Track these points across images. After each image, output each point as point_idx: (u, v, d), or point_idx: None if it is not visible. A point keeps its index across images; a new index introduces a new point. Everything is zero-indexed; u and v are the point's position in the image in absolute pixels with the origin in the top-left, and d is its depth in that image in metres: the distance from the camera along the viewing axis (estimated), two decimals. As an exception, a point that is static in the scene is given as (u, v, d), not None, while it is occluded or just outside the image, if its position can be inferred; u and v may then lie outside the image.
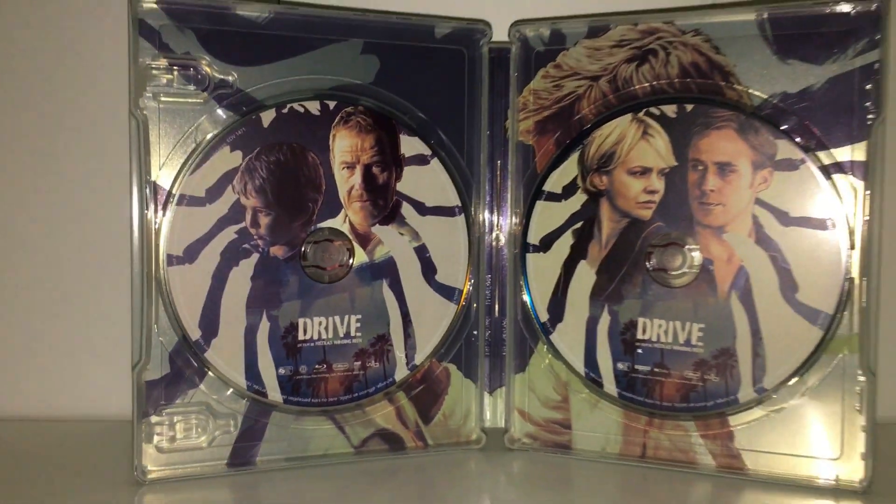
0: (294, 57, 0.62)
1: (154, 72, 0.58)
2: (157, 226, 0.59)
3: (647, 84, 0.63)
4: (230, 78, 0.60)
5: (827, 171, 0.59)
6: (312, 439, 0.64)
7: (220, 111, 0.60)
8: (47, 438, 0.70)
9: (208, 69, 0.60)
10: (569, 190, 0.66)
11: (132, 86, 0.58)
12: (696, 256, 0.62)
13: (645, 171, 0.63)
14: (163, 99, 0.59)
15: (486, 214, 0.68)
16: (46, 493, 0.58)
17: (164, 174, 0.59)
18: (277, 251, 0.62)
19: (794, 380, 0.60)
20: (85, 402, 0.76)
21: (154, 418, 0.59)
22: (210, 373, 0.61)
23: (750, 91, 0.61)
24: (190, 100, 0.59)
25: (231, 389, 0.62)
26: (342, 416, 0.64)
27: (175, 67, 0.59)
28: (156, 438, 0.60)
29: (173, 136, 0.59)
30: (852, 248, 0.59)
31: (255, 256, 0.61)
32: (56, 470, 0.63)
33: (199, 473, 0.61)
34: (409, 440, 0.66)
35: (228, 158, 0.60)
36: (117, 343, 0.73)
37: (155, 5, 0.58)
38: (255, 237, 0.61)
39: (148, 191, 0.59)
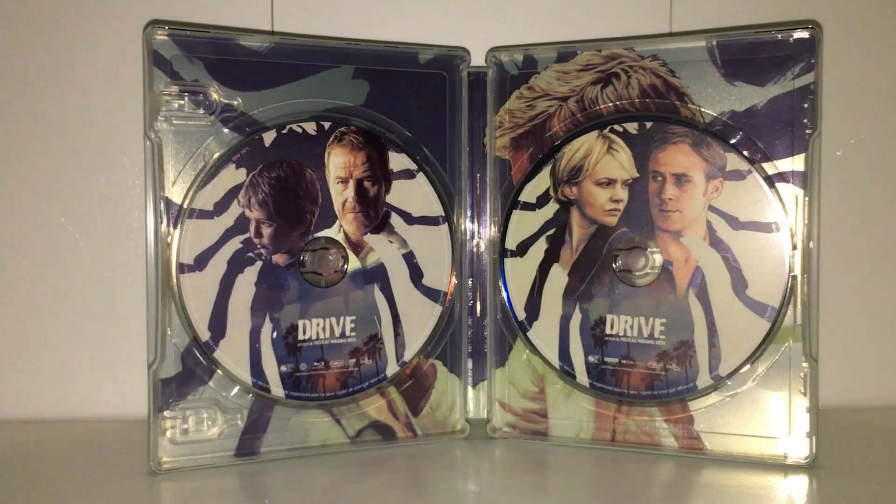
0: (292, 82, 0.64)
1: (166, 98, 0.60)
2: (169, 238, 0.61)
3: (610, 104, 0.67)
4: (235, 102, 0.63)
5: (771, 180, 0.63)
6: (312, 431, 0.65)
7: (226, 132, 0.63)
8: (66, 438, 0.71)
9: (216, 95, 0.62)
10: (542, 200, 0.68)
11: (146, 111, 0.60)
12: (658, 258, 0.65)
13: (610, 182, 0.67)
14: (174, 122, 0.61)
15: (468, 223, 0.70)
16: (69, 487, 0.60)
17: (175, 190, 0.61)
18: (279, 259, 0.64)
19: (745, 367, 0.63)
20: (102, 403, 0.78)
21: (168, 413, 0.61)
22: (218, 371, 0.63)
23: (702, 110, 0.64)
24: (199, 123, 0.62)
25: (238, 386, 0.63)
26: (338, 409, 0.66)
27: (185, 94, 0.61)
28: (169, 432, 0.61)
29: (184, 155, 0.61)
30: (794, 248, 0.62)
31: (259, 264, 0.64)
32: (76, 466, 0.64)
33: (210, 463, 0.62)
34: (400, 431, 0.68)
35: (234, 175, 0.63)
36: (133, 348, 0.75)
37: (167, 37, 0.61)
38: (259, 246, 0.64)
39: (162, 206, 0.61)
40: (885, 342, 0.80)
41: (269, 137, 0.64)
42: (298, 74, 0.65)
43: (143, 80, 0.61)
